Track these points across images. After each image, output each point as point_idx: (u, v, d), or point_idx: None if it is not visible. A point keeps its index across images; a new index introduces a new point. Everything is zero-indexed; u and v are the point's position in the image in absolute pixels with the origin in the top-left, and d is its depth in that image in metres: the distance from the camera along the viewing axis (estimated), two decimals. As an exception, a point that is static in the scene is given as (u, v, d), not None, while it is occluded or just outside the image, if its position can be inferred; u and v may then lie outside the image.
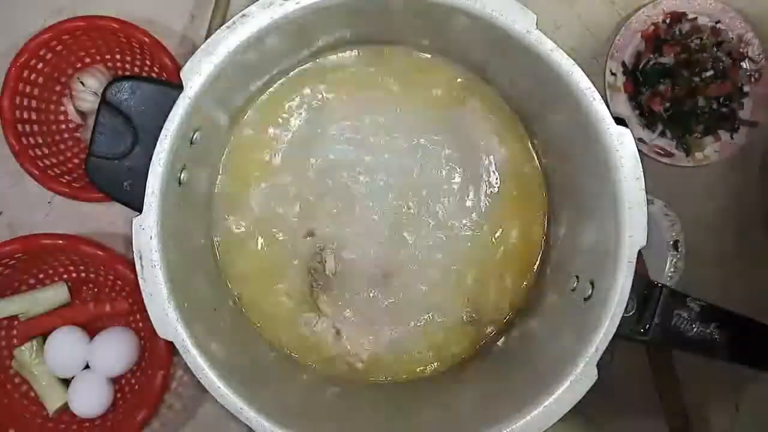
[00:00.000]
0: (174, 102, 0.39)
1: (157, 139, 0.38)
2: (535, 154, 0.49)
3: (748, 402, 0.57)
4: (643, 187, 0.39)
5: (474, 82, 0.49)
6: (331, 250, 0.48)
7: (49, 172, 0.52)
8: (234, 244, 0.48)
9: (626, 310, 0.39)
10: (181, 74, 0.38)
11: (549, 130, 0.47)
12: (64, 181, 0.53)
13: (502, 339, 0.48)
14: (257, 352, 0.47)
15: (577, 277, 0.43)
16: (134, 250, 0.38)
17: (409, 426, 0.45)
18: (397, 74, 0.49)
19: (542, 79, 0.40)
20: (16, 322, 0.54)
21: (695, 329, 0.41)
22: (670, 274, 0.55)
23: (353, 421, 0.45)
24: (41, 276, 0.54)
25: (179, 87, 0.39)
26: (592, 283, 0.41)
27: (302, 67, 0.48)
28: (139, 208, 0.39)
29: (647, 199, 0.58)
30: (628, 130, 0.39)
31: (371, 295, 0.48)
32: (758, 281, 0.56)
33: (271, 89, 0.48)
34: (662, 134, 0.56)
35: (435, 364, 0.49)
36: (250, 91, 0.47)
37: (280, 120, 0.48)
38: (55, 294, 0.54)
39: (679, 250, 0.55)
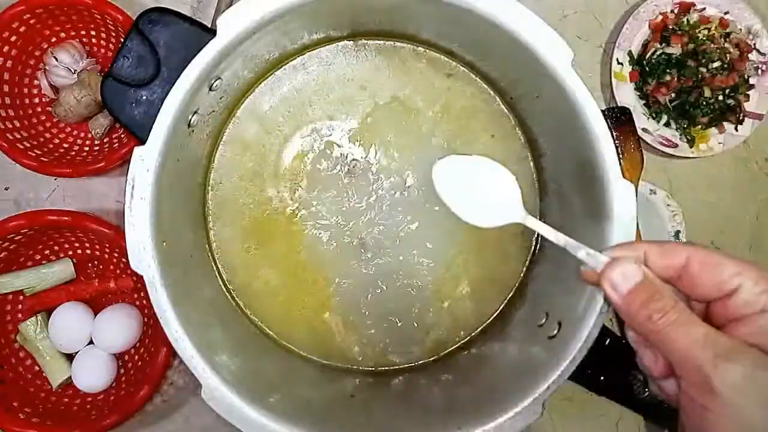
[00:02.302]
0: (204, 45, 0.38)
1: (178, 77, 0.38)
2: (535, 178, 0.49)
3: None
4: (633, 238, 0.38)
5: (473, 81, 0.49)
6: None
7: (18, 145, 0.52)
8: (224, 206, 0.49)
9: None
10: (218, 21, 0.38)
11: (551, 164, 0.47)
12: (33, 154, 0.52)
13: (463, 354, 0.48)
14: (237, 327, 0.48)
15: (547, 314, 0.43)
16: (128, 178, 0.38)
17: (410, 421, 0.44)
18: (398, 73, 0.49)
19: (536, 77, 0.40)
20: (21, 297, 0.55)
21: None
22: (670, 265, 0.55)
23: (353, 419, 0.44)
24: (47, 252, 0.55)
25: (213, 32, 0.38)
26: (559, 324, 0.40)
27: (310, 51, 0.49)
28: (141, 139, 0.38)
29: (650, 189, 0.58)
30: (633, 197, 0.38)
31: (367, 296, 0.49)
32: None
33: (285, 66, 0.48)
34: (667, 125, 0.56)
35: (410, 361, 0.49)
36: (269, 60, 0.47)
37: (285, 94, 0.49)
38: (61, 270, 0.54)
39: (681, 240, 0.55)
